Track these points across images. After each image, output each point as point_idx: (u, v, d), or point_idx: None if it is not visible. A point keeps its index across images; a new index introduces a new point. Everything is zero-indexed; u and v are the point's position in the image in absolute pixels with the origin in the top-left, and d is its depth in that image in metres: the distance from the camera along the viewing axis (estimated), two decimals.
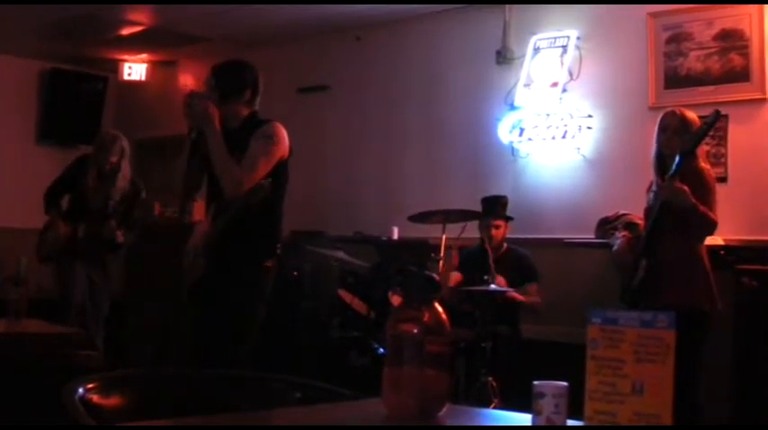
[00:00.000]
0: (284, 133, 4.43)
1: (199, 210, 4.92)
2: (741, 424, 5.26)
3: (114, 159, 6.64)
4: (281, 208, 4.53)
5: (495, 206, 6.40)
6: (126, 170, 6.71)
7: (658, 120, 5.03)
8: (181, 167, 4.36)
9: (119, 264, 7.71)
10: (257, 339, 4.45)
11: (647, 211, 5.07)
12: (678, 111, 4.97)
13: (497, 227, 6.37)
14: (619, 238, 6.01)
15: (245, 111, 4.47)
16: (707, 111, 5.52)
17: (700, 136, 4.75)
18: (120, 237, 6.58)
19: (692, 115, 4.98)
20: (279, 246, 4.53)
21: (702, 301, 4.81)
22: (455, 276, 6.47)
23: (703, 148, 5.05)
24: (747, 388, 5.28)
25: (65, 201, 6.79)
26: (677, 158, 4.70)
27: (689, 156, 4.76)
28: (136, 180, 6.91)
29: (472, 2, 7.41)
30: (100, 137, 6.83)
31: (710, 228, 4.87)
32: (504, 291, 6.09)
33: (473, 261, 6.39)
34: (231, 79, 4.47)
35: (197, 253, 4.42)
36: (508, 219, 6.46)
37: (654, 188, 5.02)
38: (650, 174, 6.14)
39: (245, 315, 4.40)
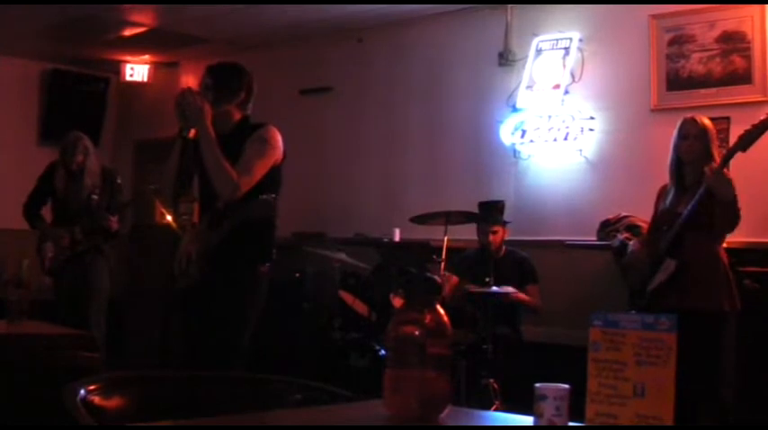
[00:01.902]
0: (279, 137, 4.39)
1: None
2: (745, 424, 5.25)
3: (80, 158, 6.81)
4: (275, 213, 4.49)
5: (491, 212, 6.39)
6: (92, 167, 6.86)
7: (677, 127, 5.01)
8: (171, 168, 4.33)
9: (119, 261, 7.74)
10: (248, 342, 4.42)
11: (663, 214, 5.04)
12: (698, 119, 4.99)
13: (495, 232, 6.37)
14: (621, 240, 6.02)
15: (237, 115, 4.43)
16: (709, 114, 5.51)
17: (755, 135, 4.72)
18: (114, 224, 6.72)
19: (709, 122, 5.02)
20: (274, 250, 4.50)
21: (724, 302, 4.81)
22: (452, 280, 6.43)
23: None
24: (750, 389, 5.27)
25: (47, 214, 6.94)
26: (727, 154, 4.70)
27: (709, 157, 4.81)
28: (107, 169, 7.12)
29: (474, 2, 7.41)
30: (64, 139, 6.97)
31: (737, 222, 4.85)
32: (506, 293, 6.10)
33: (472, 265, 6.39)
34: (226, 80, 4.44)
35: (190, 260, 4.38)
36: (505, 223, 6.45)
37: (671, 195, 5.01)
38: (652, 177, 6.14)
39: (239, 319, 4.36)
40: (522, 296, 6.23)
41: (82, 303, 6.65)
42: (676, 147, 5.00)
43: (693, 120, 4.98)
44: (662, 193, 5.16)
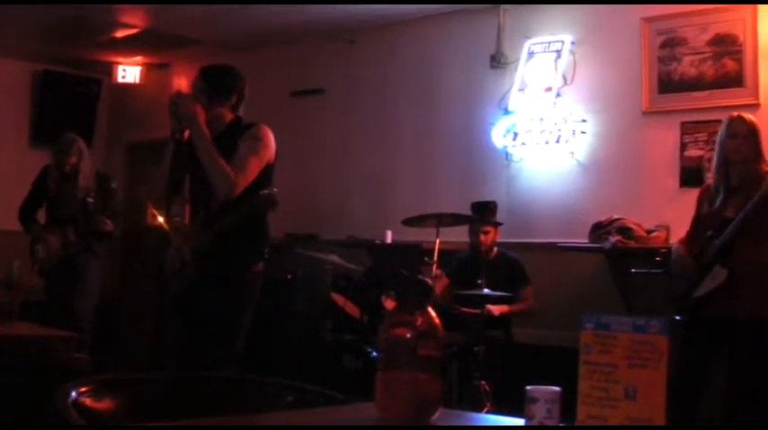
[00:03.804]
0: (271, 136, 4.40)
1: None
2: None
3: (73, 160, 6.80)
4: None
5: (484, 212, 6.40)
6: (86, 170, 6.84)
7: (723, 126, 4.89)
8: (164, 169, 4.33)
9: (110, 263, 7.75)
10: (243, 344, 4.41)
11: (709, 218, 4.89)
12: (746, 117, 4.85)
13: (486, 233, 6.37)
14: (613, 242, 6.02)
15: (229, 116, 4.44)
16: (701, 117, 5.51)
17: None
18: (109, 226, 6.74)
19: (756, 119, 4.90)
20: (267, 250, 4.50)
21: None
22: (442, 283, 6.44)
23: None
24: None
25: (41, 216, 6.94)
26: None
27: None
28: (101, 173, 7.12)
29: (467, 2, 7.40)
30: (59, 140, 6.96)
31: None
32: (499, 312, 6.14)
33: (464, 267, 6.39)
34: (220, 82, 4.45)
35: (183, 258, 4.38)
36: (497, 224, 6.45)
37: (719, 197, 4.85)
38: (644, 179, 6.16)
39: (233, 319, 4.36)
40: (515, 309, 6.26)
41: (73, 304, 6.64)
42: (723, 147, 4.84)
43: (742, 119, 4.84)
44: (705, 194, 5.01)
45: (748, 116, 4.89)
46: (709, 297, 4.77)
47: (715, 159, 4.93)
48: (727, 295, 4.70)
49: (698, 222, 5.03)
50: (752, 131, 4.82)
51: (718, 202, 4.86)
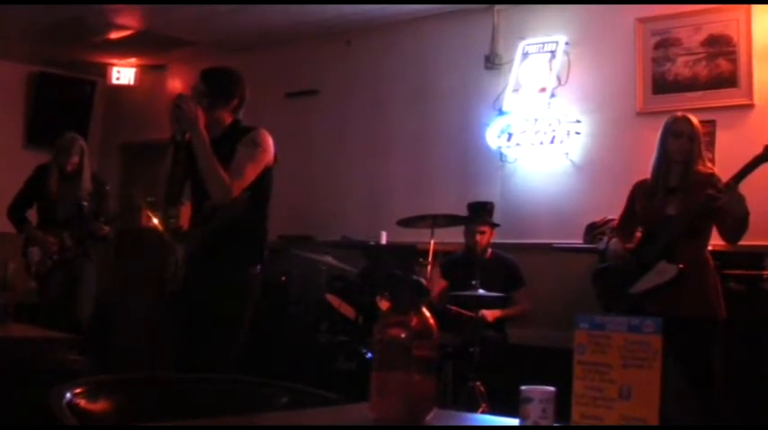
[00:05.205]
0: (270, 140, 4.43)
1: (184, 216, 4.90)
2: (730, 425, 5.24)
3: (75, 160, 6.78)
4: (267, 214, 4.51)
5: (480, 212, 6.41)
6: (88, 170, 6.84)
7: (667, 125, 4.91)
8: (165, 172, 4.33)
9: (105, 265, 7.74)
10: (243, 344, 4.42)
11: (649, 214, 4.92)
12: (690, 118, 4.87)
13: (482, 233, 6.38)
14: (607, 243, 6.02)
15: (228, 119, 4.46)
16: (695, 117, 5.50)
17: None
18: (105, 230, 6.74)
19: (697, 121, 4.94)
20: (265, 252, 4.51)
21: (717, 310, 4.76)
22: (440, 284, 6.47)
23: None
24: (736, 390, 5.26)
25: (33, 217, 6.90)
26: (741, 173, 4.53)
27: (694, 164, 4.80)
28: (97, 176, 7.09)
29: (461, 2, 7.40)
30: (58, 140, 6.91)
31: (745, 233, 4.73)
32: (493, 318, 6.16)
33: (459, 267, 6.40)
34: (222, 85, 4.46)
35: (178, 263, 4.38)
36: (494, 225, 6.46)
37: (658, 194, 4.87)
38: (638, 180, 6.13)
39: (233, 321, 4.37)
40: (509, 313, 6.29)
41: (69, 307, 6.62)
42: (666, 146, 4.87)
43: (687, 119, 4.87)
44: (639, 190, 5.04)
45: (692, 117, 4.92)
46: (654, 293, 4.79)
47: (656, 156, 4.94)
48: (673, 292, 4.73)
49: (631, 217, 5.09)
50: (695, 133, 4.85)
51: (658, 200, 4.88)
